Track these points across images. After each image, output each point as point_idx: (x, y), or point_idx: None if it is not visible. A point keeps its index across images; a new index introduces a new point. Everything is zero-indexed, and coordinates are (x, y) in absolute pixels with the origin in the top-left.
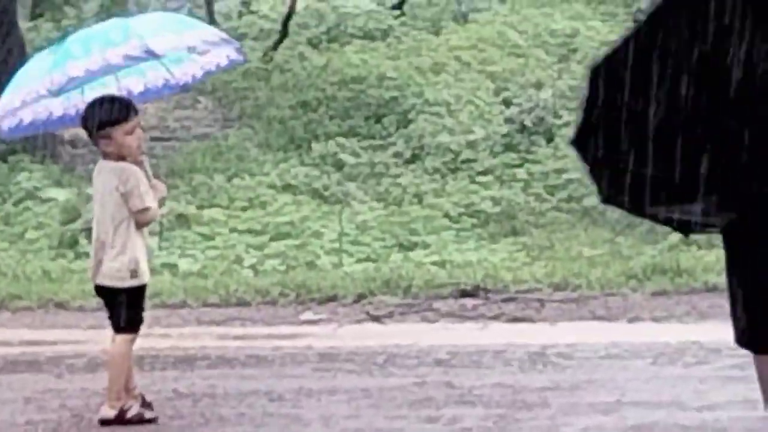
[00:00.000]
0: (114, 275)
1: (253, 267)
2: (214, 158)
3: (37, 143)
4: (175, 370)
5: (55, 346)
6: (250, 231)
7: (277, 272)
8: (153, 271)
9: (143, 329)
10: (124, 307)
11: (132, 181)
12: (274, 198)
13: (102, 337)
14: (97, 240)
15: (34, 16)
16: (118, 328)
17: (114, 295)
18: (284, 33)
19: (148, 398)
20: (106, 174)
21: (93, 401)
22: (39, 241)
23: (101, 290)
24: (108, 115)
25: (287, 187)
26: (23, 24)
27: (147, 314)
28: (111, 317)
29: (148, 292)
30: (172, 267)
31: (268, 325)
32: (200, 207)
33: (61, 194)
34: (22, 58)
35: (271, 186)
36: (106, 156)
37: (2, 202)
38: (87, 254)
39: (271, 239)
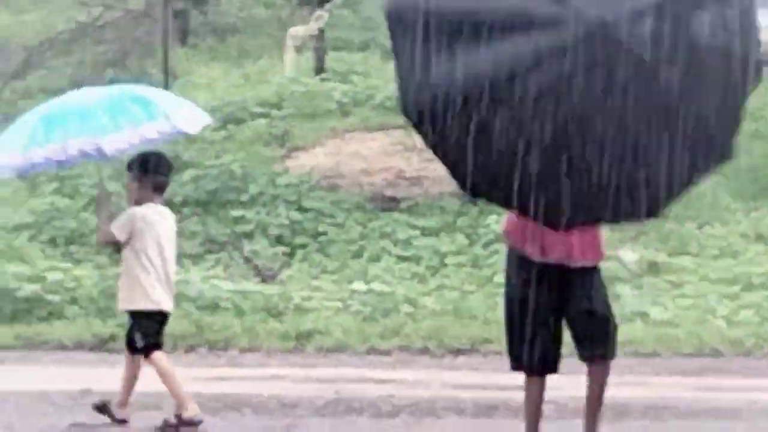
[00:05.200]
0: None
1: (726, 317)
2: (685, 205)
3: None
4: (645, 419)
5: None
6: (721, 280)
7: (751, 324)
8: (623, 318)
9: (614, 378)
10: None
11: None
12: (745, 248)
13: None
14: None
15: None
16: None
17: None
18: None
19: None
20: (168, 216)
21: None
22: None
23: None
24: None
25: (760, 237)
26: None
27: (619, 362)
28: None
29: (621, 339)
30: (643, 315)
31: (744, 377)
32: (670, 254)
33: None
34: None
35: (744, 235)
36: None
37: (471, 244)
38: None
39: (743, 289)
